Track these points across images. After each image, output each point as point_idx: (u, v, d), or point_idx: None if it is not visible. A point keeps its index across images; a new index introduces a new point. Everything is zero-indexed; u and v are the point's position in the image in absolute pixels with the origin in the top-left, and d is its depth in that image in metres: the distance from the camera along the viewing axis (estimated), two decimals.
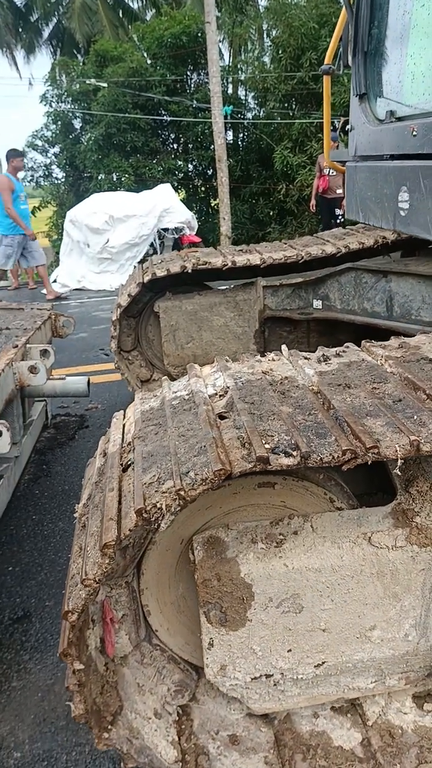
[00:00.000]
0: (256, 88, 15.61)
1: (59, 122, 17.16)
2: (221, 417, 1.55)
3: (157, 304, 4.17)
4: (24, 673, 2.33)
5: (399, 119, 3.02)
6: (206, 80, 15.32)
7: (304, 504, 1.63)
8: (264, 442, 1.36)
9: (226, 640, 1.57)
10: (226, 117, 13.90)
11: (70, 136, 17.18)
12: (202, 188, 17.92)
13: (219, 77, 13.07)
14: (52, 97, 17.04)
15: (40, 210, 17.32)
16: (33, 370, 2.99)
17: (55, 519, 3.36)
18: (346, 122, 3.77)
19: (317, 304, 4.07)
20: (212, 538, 1.55)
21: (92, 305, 9.43)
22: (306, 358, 1.92)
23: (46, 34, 22.98)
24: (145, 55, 16.49)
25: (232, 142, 16.72)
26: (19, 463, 3.27)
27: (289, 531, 1.56)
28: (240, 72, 17.50)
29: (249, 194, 16.48)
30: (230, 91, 17.33)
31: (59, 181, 18.04)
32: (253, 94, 16.76)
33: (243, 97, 17.58)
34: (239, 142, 17.33)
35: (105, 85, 15.44)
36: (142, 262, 9.43)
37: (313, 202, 11.19)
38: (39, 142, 17.57)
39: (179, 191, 16.42)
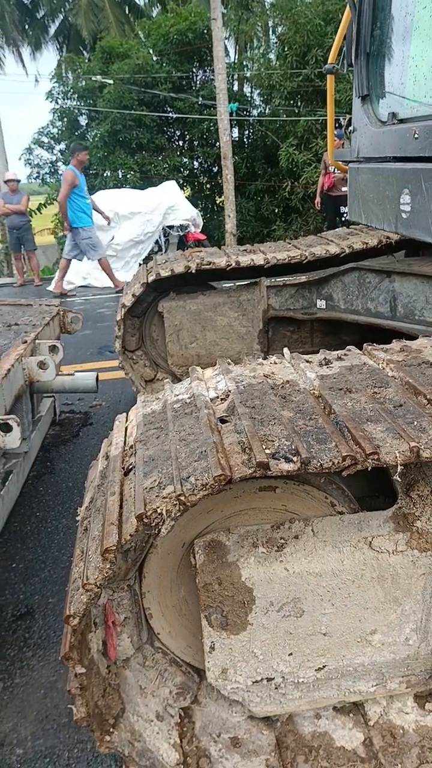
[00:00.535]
0: (262, 85, 15.54)
1: (65, 119, 17.15)
2: (222, 421, 1.56)
3: (161, 304, 4.18)
4: (27, 669, 2.34)
5: (401, 121, 3.01)
6: (212, 77, 15.27)
7: (305, 508, 1.63)
8: (264, 447, 1.37)
9: (228, 643, 1.57)
10: (231, 114, 13.85)
11: (76, 133, 17.15)
12: (208, 185, 17.87)
13: (225, 74, 13.02)
14: (58, 93, 17.02)
15: (45, 207, 17.32)
16: (42, 365, 2.99)
17: (58, 516, 3.38)
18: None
19: (321, 304, 4.07)
20: (213, 542, 1.56)
21: (97, 302, 9.44)
22: (308, 362, 1.93)
23: (52, 30, 22.98)
24: (151, 51, 16.45)
25: (237, 139, 16.66)
26: (27, 458, 3.26)
27: (290, 535, 1.56)
28: (246, 69, 17.45)
29: (254, 191, 16.43)
30: (236, 88, 17.28)
31: None
32: (258, 91, 16.70)
33: (248, 94, 17.55)
34: (245, 140, 17.28)
35: (111, 81, 15.41)
36: (146, 260, 9.45)
37: (318, 199, 11.17)
38: (45, 139, 17.56)
39: (184, 188, 16.41)
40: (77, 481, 3.73)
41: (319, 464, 1.32)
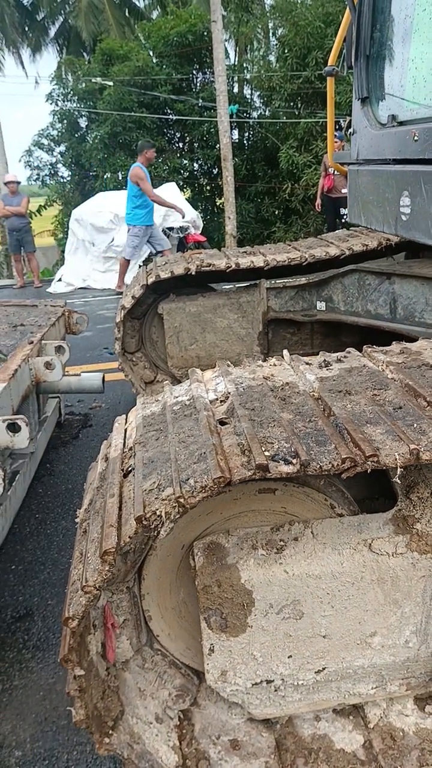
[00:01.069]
0: (262, 87, 15.57)
1: (65, 121, 17.17)
2: (222, 423, 1.56)
3: (160, 306, 4.18)
4: (26, 671, 2.34)
5: (401, 123, 3.01)
6: (212, 79, 15.30)
7: (304, 510, 1.63)
8: (264, 449, 1.37)
9: (227, 645, 1.57)
10: (231, 116, 13.86)
11: (76, 135, 17.18)
12: (208, 187, 17.88)
13: (225, 76, 13.03)
14: (58, 95, 17.04)
15: (45, 209, 17.35)
16: (48, 366, 2.99)
17: (58, 518, 3.38)
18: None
19: (321, 305, 4.07)
20: (213, 544, 1.56)
21: (97, 304, 9.45)
22: (307, 364, 1.92)
23: (52, 32, 23.01)
24: (151, 53, 16.47)
25: (237, 141, 16.68)
26: (34, 459, 3.25)
27: (290, 537, 1.56)
28: (246, 71, 17.47)
29: (254, 193, 16.44)
30: (236, 90, 17.30)
31: (65, 180, 18.04)
32: (258, 93, 16.73)
33: (249, 96, 17.56)
34: (245, 141, 17.30)
35: (111, 83, 15.42)
36: (146, 262, 9.44)
37: (318, 201, 11.18)
38: (45, 141, 17.59)
39: (184, 190, 16.41)
40: (76, 483, 3.73)
41: (318, 466, 1.32)
